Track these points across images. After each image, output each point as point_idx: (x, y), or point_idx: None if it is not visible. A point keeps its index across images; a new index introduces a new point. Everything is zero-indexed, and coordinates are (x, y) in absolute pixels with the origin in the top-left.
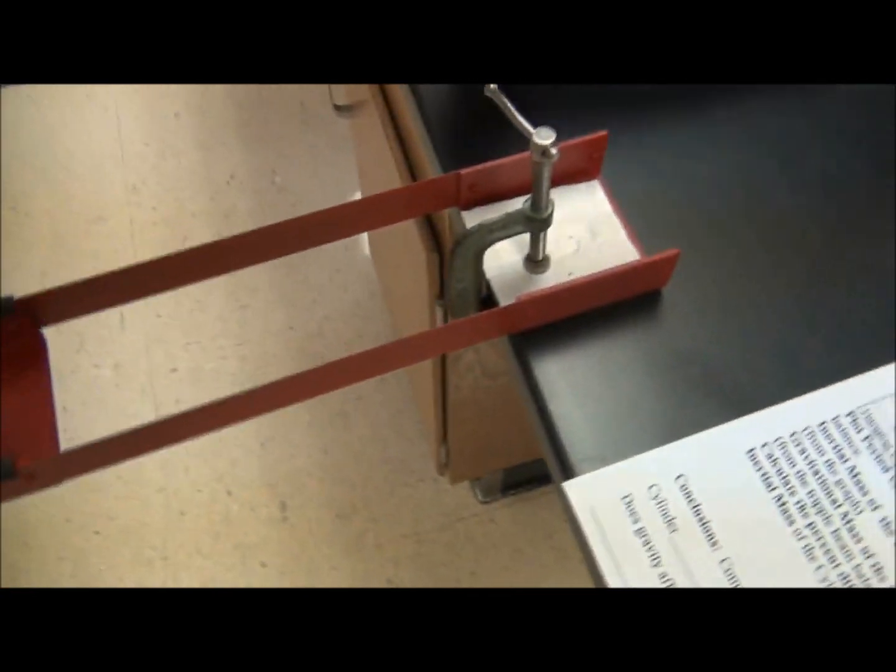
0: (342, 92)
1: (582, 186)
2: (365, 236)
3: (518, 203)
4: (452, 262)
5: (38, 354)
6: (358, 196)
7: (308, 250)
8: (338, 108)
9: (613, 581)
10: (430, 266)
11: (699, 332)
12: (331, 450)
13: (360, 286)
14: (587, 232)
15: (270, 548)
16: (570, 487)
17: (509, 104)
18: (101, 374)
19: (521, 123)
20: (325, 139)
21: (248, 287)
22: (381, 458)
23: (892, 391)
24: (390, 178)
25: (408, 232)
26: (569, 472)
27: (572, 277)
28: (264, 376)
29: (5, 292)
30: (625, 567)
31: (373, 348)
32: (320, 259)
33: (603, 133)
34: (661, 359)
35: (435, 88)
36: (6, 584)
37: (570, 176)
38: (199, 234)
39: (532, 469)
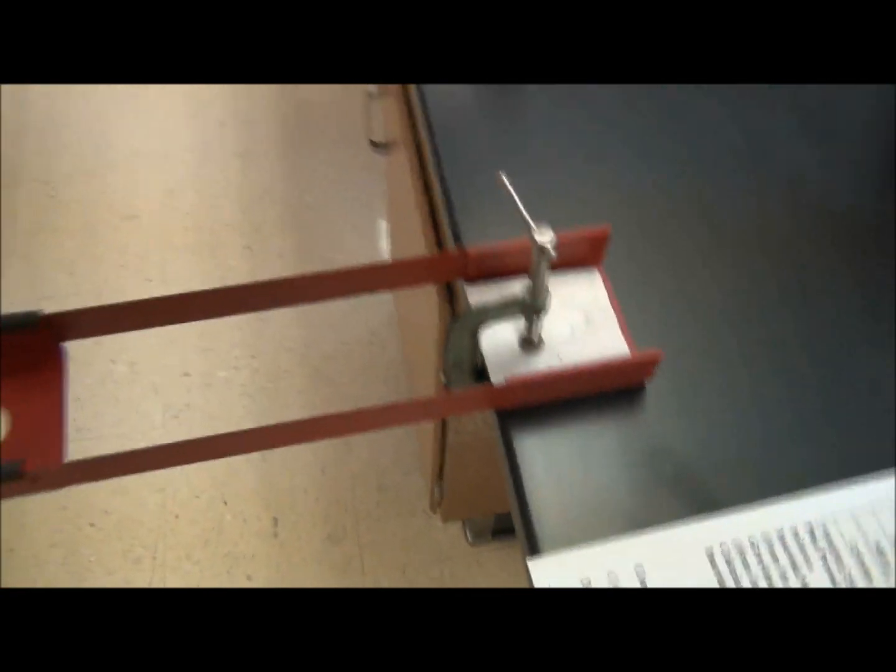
0: (380, 129)
1: (583, 273)
2: None
3: (520, 282)
4: (450, 336)
5: (56, 367)
6: (383, 226)
7: None
8: (374, 144)
9: None
10: (442, 314)
11: (676, 430)
12: (329, 470)
13: (377, 316)
14: (582, 319)
15: (258, 561)
16: (534, 565)
17: (514, 194)
18: (116, 369)
19: (524, 216)
20: (359, 166)
21: None
22: (378, 485)
23: (850, 509)
24: (413, 221)
25: None
26: (535, 549)
27: (562, 362)
28: (275, 390)
29: (33, 277)
30: None
31: (374, 407)
32: None
33: (605, 227)
34: (636, 452)
35: (454, 157)
36: None
37: (572, 261)
38: (229, 244)
39: None
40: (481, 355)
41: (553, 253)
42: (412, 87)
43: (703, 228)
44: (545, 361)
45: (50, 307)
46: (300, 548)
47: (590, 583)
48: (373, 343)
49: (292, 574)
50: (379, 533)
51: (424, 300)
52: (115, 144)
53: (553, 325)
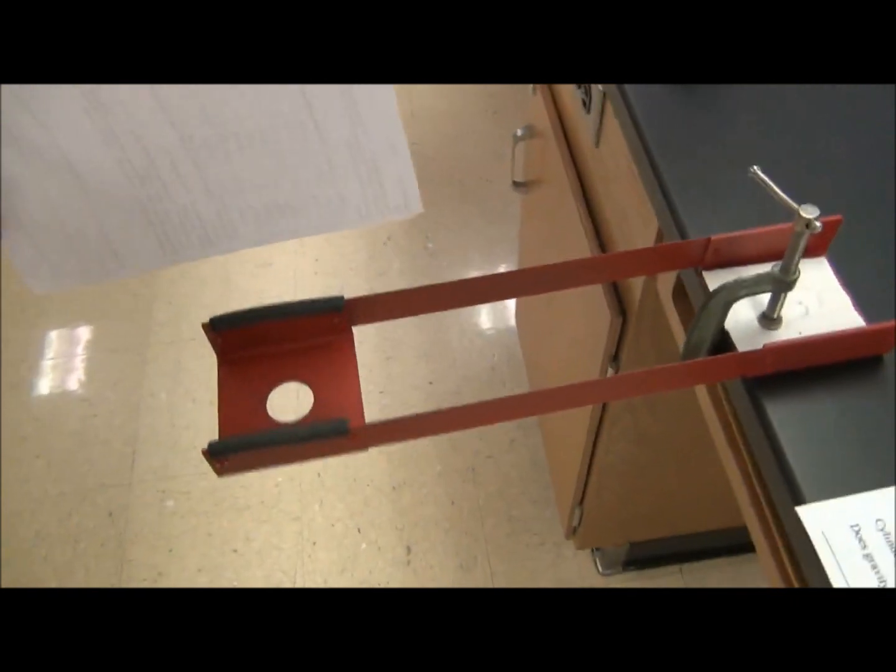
0: (521, 170)
1: (810, 261)
2: (512, 308)
3: (749, 270)
4: (702, 311)
5: (350, 345)
6: (510, 269)
7: (450, 316)
8: (516, 184)
9: None
10: (612, 329)
11: None
12: (458, 502)
13: (498, 352)
14: (816, 300)
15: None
16: (805, 512)
17: (771, 183)
18: None
19: (784, 199)
20: (477, 212)
21: (393, 341)
22: (507, 516)
23: None
24: (578, 247)
25: (590, 298)
26: (798, 499)
27: (802, 335)
28: None
29: (177, 323)
30: (855, 584)
31: (627, 373)
32: (462, 324)
33: (837, 217)
34: (879, 417)
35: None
36: (148, 586)
37: None
38: (355, 287)
39: (658, 547)
40: (725, 331)
41: (819, 226)
42: (605, 105)
43: None
44: (785, 336)
45: (193, 347)
46: (434, 576)
47: (860, 528)
48: (494, 379)
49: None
50: (509, 563)
51: (583, 319)
52: None
53: (788, 307)
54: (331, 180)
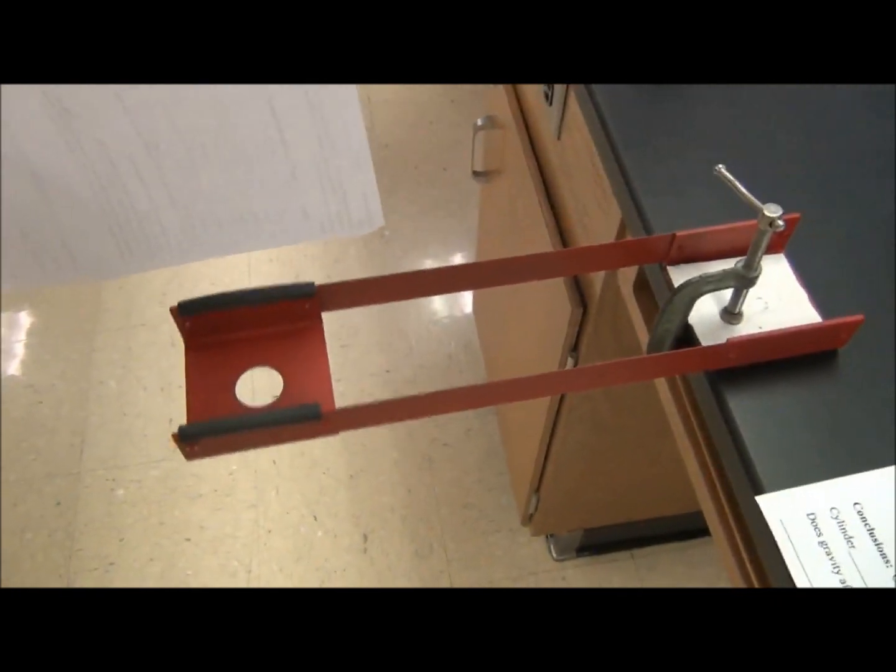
0: (480, 159)
1: (770, 258)
2: (469, 297)
3: (712, 265)
4: (667, 306)
5: (320, 331)
6: (459, 258)
7: (407, 304)
8: (476, 173)
9: (801, 582)
10: (572, 320)
11: (870, 394)
12: (415, 490)
13: (454, 340)
14: (775, 295)
15: (349, 576)
16: (764, 501)
17: (736, 181)
18: None
19: (748, 198)
20: (434, 200)
21: (350, 329)
22: (463, 503)
23: None
24: (538, 238)
25: (552, 289)
26: (758, 489)
27: (763, 330)
28: None
29: (127, 310)
30: (810, 571)
31: (587, 366)
32: (418, 312)
33: (796, 215)
34: (833, 410)
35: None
36: (99, 576)
37: None
38: (310, 274)
39: (611, 533)
40: (688, 326)
41: (782, 224)
42: (572, 95)
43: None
44: (745, 330)
45: (143, 334)
46: (389, 564)
47: (815, 517)
48: (450, 367)
49: (383, 588)
50: (465, 549)
51: (545, 309)
52: None
53: (748, 302)
54: (295, 194)
